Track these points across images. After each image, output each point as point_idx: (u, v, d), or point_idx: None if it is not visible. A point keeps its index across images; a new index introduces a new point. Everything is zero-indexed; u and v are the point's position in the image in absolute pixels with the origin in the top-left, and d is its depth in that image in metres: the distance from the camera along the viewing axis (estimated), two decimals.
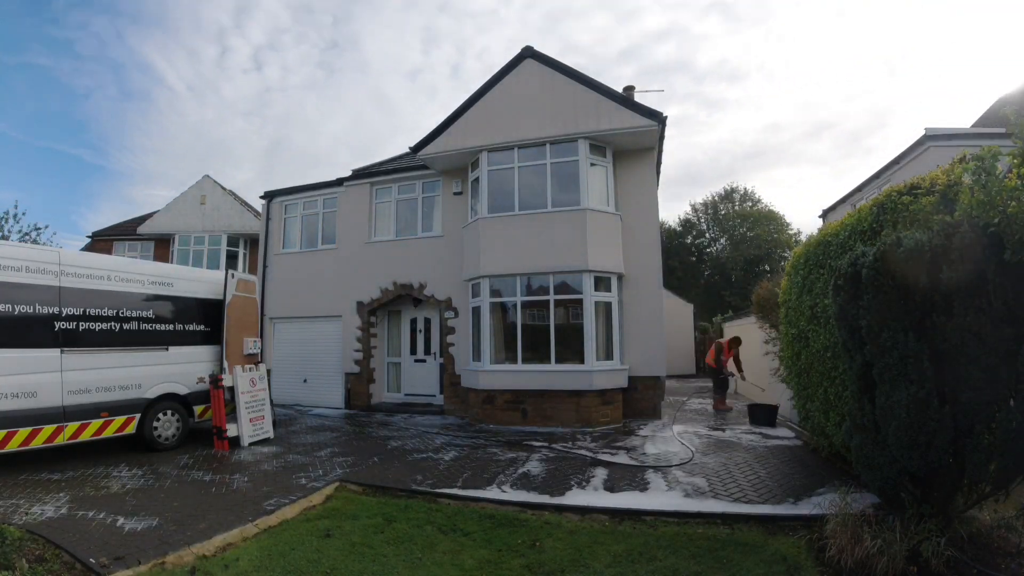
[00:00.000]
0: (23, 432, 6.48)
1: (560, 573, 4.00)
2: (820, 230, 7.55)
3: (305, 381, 13.39)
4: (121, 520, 4.89)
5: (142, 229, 19.00)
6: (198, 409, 8.63)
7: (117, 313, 7.67)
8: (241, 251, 18.84)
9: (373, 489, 6.13)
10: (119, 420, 7.51)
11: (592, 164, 10.53)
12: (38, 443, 6.63)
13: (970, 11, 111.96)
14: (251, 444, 8.37)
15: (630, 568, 4.03)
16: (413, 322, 13.00)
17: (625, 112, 10.19)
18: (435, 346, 12.66)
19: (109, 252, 18.47)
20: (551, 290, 10.21)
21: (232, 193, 19.87)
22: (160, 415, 8.06)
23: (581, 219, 10.15)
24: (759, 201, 35.38)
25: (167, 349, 8.30)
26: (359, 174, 13.43)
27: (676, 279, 32.16)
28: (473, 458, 7.49)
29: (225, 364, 8.74)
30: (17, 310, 6.57)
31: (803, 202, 62.72)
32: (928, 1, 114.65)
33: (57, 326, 6.95)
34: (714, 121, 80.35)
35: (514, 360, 10.28)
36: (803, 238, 27.63)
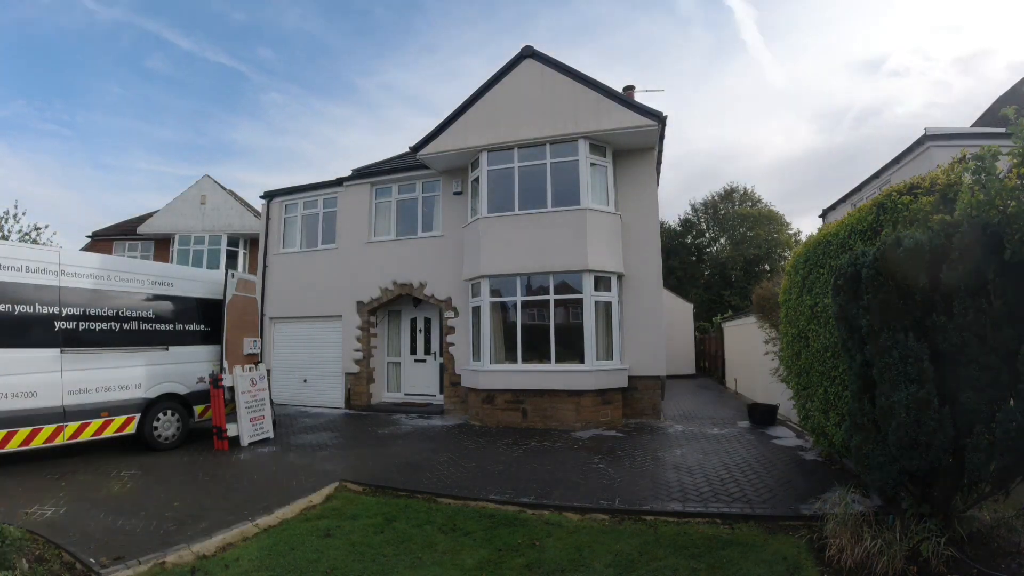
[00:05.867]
0: (23, 432, 6.49)
1: (560, 573, 4.00)
2: (820, 230, 7.54)
3: (305, 381, 13.39)
4: (121, 520, 4.89)
5: (142, 229, 19.00)
6: (198, 409, 8.64)
7: (117, 313, 7.67)
8: (241, 251, 18.84)
9: (373, 489, 6.13)
10: (119, 420, 7.52)
11: (592, 164, 10.52)
12: (38, 443, 6.64)
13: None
14: (251, 444, 8.36)
15: (630, 568, 4.03)
16: (413, 322, 13.00)
17: (625, 112, 10.18)
18: (435, 346, 12.66)
19: (109, 252, 18.47)
20: (551, 290, 10.21)
21: (232, 193, 19.87)
22: (160, 415, 8.07)
23: (581, 219, 10.14)
24: (759, 201, 35.44)
25: (167, 349, 8.30)
26: (359, 174, 13.42)
27: (676, 279, 32.16)
28: (472, 457, 7.49)
29: (225, 364, 8.73)
30: (17, 310, 6.57)
31: (803, 202, 62.66)
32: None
33: (57, 326, 6.96)
34: None
35: (514, 360, 10.27)
36: (803, 238, 27.65)
